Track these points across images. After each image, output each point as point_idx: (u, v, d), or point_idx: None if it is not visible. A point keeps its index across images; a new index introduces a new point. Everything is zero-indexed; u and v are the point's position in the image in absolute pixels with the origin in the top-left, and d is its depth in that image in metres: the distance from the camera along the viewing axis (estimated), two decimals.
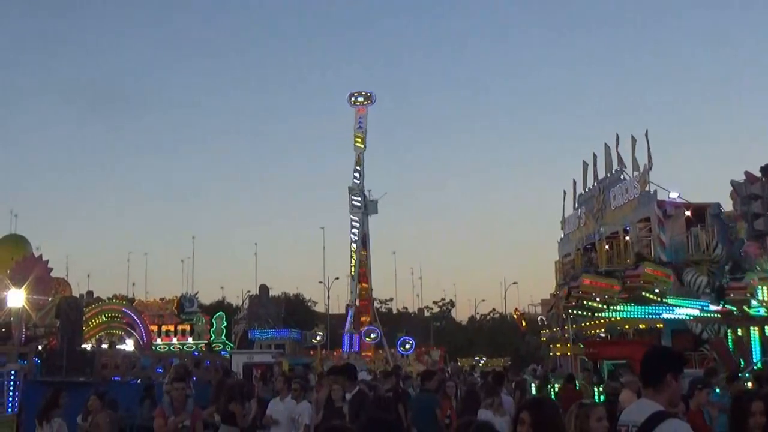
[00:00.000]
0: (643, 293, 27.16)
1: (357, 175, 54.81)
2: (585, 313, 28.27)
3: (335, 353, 50.70)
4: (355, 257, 55.23)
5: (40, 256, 39.70)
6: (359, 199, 54.41)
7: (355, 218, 54.71)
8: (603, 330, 31.03)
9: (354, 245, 55.06)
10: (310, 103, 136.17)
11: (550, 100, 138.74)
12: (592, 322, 30.22)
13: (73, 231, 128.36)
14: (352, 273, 55.91)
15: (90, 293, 72.81)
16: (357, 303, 55.64)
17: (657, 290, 27.52)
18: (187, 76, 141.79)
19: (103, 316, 48.15)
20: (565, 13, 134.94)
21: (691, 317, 27.97)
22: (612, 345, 27.16)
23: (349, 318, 55.93)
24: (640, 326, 29.44)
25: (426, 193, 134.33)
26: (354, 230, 55.01)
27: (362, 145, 54.92)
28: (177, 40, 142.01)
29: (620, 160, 35.83)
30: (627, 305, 27.39)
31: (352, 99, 55.48)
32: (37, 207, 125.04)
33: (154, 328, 54.10)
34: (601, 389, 18.00)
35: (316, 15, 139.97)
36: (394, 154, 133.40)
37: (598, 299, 26.98)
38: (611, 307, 27.21)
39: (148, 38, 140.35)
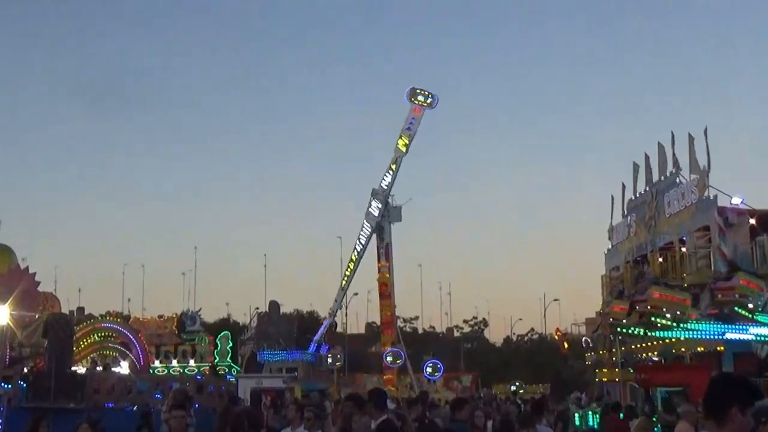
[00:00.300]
0: (736, 309, 26.74)
1: (388, 178, 54.48)
2: (644, 332, 27.89)
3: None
4: (352, 267, 55.71)
5: (27, 268, 40.07)
6: (379, 205, 54.31)
7: (368, 225, 54.78)
8: (656, 353, 30.76)
9: (355, 253, 55.48)
10: (321, 105, 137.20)
11: (600, 97, 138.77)
12: (644, 344, 29.96)
13: (63, 240, 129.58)
14: (343, 284, 56.56)
15: (81, 309, 73.45)
16: (336, 315, 57.23)
17: (750, 305, 27.14)
18: (187, 75, 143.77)
19: (95, 335, 48.36)
20: None
21: (765, 338, 27.59)
22: (666, 370, 26.90)
23: (322, 329, 57.28)
24: (718, 348, 28.89)
25: (455, 200, 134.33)
26: (361, 238, 55.24)
27: (404, 149, 54.37)
28: (176, 39, 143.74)
29: (676, 162, 35.62)
30: (702, 323, 26.91)
31: (412, 97, 54.67)
32: (24, 213, 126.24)
33: (152, 348, 54.32)
34: (654, 420, 17.85)
35: (313, 12, 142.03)
36: (421, 156, 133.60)
37: (668, 315, 26.63)
38: (681, 326, 26.82)
39: (147, 37, 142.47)
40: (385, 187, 54.57)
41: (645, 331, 27.61)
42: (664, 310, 26.57)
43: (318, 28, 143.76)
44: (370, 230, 54.85)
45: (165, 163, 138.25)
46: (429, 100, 54.98)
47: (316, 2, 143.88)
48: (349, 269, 56.30)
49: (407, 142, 54.47)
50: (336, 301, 57.59)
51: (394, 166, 54.71)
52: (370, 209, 54.70)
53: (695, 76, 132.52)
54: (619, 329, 28.25)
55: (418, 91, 55.09)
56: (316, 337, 56.52)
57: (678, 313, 26.52)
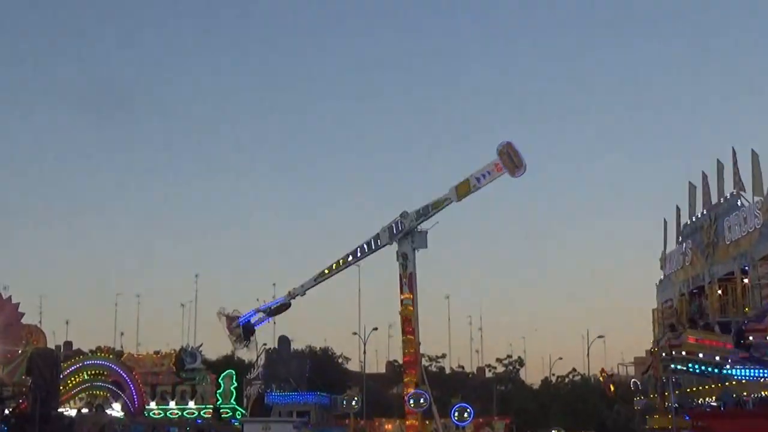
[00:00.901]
0: None
1: (427, 212, 53.41)
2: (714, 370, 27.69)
3: None
4: (335, 267, 55.43)
5: (9, 297, 40.21)
6: (400, 228, 53.80)
7: (379, 242, 54.49)
8: (715, 397, 30.55)
9: (348, 259, 55.23)
10: (335, 122, 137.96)
11: (652, 109, 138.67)
12: (702, 387, 29.76)
13: (50, 267, 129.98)
14: (317, 277, 56.31)
15: (69, 344, 73.64)
16: (294, 299, 56.73)
17: None
18: (190, 94, 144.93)
19: (84, 373, 48.56)
20: None
21: None
22: (727, 417, 26.74)
23: (271, 303, 57.28)
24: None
25: (488, 224, 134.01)
26: (359, 252, 55.03)
27: (460, 198, 52.64)
28: (179, 59, 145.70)
29: (737, 182, 35.46)
30: None
31: (503, 153, 52.11)
32: (6, 238, 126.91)
33: (147, 388, 54.39)
34: None
35: (323, 20, 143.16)
36: None
37: None
38: None
39: (146, 59, 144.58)
40: (418, 215, 53.63)
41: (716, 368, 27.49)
42: None
43: (326, 37, 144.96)
44: (377, 244, 54.51)
45: (162, 183, 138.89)
46: (514, 166, 51.44)
47: (324, 9, 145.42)
48: (335, 266, 55.77)
49: (467, 191, 52.83)
50: (302, 286, 56.82)
51: (438, 206, 53.43)
52: (389, 226, 54.09)
53: (759, 86, 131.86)
54: (691, 366, 28.09)
55: (512, 151, 51.65)
56: (262, 307, 56.88)
57: None
